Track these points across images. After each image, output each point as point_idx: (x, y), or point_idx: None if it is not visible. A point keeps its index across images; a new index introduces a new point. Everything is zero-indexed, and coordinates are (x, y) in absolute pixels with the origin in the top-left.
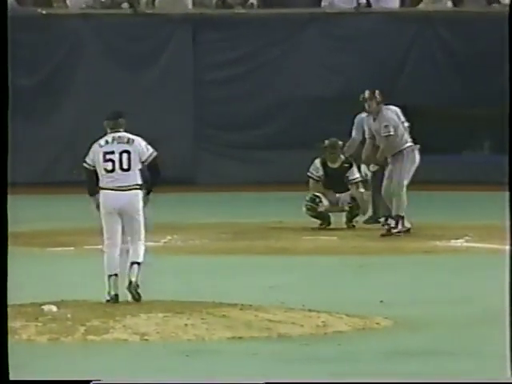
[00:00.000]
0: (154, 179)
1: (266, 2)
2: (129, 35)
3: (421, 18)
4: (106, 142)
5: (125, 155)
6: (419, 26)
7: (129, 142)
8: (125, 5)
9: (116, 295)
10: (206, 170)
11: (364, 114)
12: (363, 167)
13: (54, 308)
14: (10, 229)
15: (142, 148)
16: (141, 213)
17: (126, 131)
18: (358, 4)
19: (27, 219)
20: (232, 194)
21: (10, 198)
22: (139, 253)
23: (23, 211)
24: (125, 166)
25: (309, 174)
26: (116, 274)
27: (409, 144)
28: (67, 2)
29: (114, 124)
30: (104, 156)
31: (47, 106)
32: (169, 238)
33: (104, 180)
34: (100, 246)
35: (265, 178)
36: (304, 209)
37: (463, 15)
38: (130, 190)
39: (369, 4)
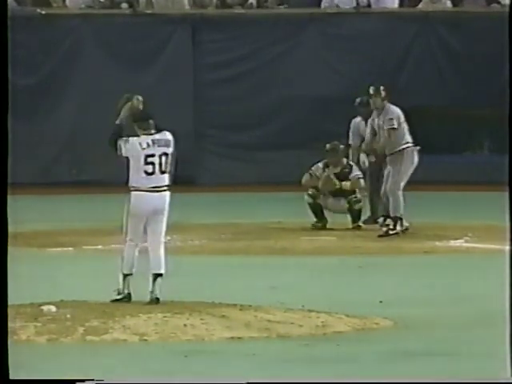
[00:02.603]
0: None
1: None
2: (128, 35)
3: (421, 18)
4: (148, 144)
5: (164, 158)
6: (419, 26)
7: (167, 144)
8: (124, 5)
9: (129, 294)
10: (206, 170)
11: (359, 119)
12: (362, 156)
13: (54, 308)
14: (10, 229)
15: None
16: (166, 214)
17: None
18: (358, 4)
19: (27, 219)
20: (232, 194)
21: (9, 198)
22: (161, 262)
23: (23, 211)
24: (163, 169)
25: (310, 171)
26: (131, 274)
27: (409, 145)
28: (66, 2)
29: (146, 125)
30: (145, 159)
31: (47, 105)
32: (168, 238)
33: (140, 181)
34: (99, 247)
35: (265, 178)
36: (306, 196)
37: (463, 15)
38: (163, 190)
39: (369, 4)
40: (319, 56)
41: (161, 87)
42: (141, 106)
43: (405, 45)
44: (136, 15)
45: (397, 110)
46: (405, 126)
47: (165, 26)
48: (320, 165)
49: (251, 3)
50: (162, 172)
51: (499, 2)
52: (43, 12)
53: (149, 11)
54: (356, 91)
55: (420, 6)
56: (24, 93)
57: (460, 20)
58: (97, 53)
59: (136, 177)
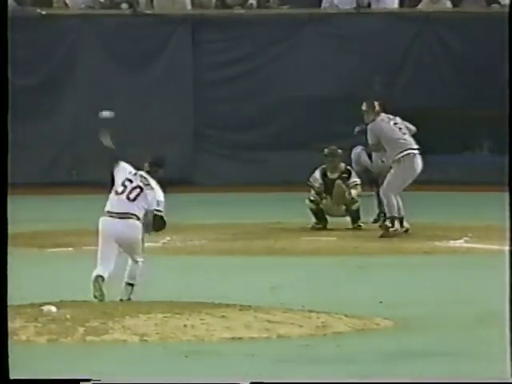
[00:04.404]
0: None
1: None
2: (128, 36)
3: (421, 18)
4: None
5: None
6: (419, 26)
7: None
8: (124, 5)
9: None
10: (206, 171)
11: (359, 149)
12: (374, 156)
13: (54, 309)
14: (10, 229)
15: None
16: None
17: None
18: (358, 4)
19: (27, 219)
20: (231, 195)
21: (9, 197)
22: None
23: (23, 211)
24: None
25: (308, 183)
26: None
27: (409, 151)
28: (67, 2)
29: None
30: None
31: (47, 106)
32: (168, 238)
33: None
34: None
35: (264, 178)
36: (307, 201)
37: (463, 15)
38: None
39: (369, 4)
40: (319, 56)
41: (161, 87)
42: None
43: (405, 45)
44: (136, 15)
45: (377, 125)
46: (398, 134)
47: (165, 26)
48: (317, 175)
49: (251, 3)
50: (127, 198)
51: (499, 2)
52: (43, 12)
53: (148, 11)
54: (356, 91)
55: (420, 6)
56: (24, 93)
57: (460, 20)
58: (97, 53)
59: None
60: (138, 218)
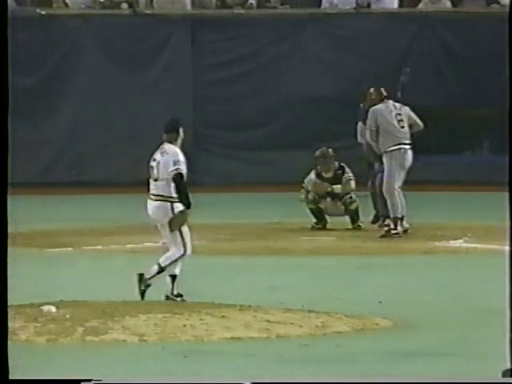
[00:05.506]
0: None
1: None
2: (128, 35)
3: (420, 18)
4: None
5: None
6: (419, 26)
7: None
8: (124, 5)
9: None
10: (206, 171)
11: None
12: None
13: (53, 309)
14: (9, 229)
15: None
16: (162, 223)
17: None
18: (358, 4)
19: (26, 219)
20: (231, 195)
21: (9, 198)
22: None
23: (23, 211)
24: (154, 176)
25: (303, 185)
26: None
27: (399, 146)
28: (67, 2)
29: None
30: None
31: (47, 106)
32: None
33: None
34: (99, 247)
35: (265, 178)
36: (303, 199)
37: (462, 15)
38: (154, 200)
39: (369, 4)
40: (319, 56)
41: (160, 87)
42: None
43: (405, 45)
44: (136, 15)
45: (376, 110)
46: (394, 127)
47: (165, 26)
48: (312, 176)
49: (251, 3)
50: (154, 179)
51: (499, 2)
52: (43, 12)
53: (148, 11)
54: (356, 91)
55: (420, 6)
56: (24, 93)
57: (459, 20)
58: (97, 53)
59: None
60: (165, 198)
